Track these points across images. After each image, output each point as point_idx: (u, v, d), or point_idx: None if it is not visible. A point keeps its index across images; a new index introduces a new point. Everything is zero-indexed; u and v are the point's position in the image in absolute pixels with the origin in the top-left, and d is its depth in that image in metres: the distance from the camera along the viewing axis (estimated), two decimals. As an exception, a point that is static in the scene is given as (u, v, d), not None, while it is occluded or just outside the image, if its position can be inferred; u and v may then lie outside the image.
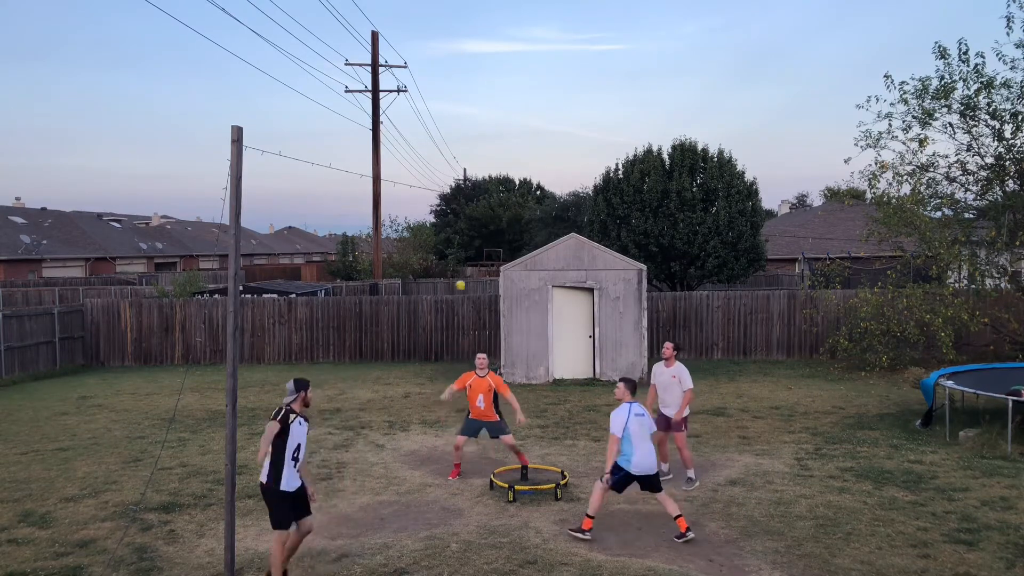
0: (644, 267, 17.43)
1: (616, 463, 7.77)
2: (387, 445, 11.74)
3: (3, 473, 10.43)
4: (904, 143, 16.97)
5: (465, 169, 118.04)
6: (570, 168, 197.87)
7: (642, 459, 7.69)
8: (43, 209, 53.08)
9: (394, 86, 29.48)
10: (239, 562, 7.12)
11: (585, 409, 14.14)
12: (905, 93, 16.56)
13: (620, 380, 8.09)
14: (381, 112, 27.50)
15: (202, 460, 10.96)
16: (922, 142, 16.65)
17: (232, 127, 6.31)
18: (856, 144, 17.40)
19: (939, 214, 17.50)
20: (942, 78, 16.24)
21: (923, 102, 16.37)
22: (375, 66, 27.50)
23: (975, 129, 16.41)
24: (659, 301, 20.52)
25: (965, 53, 15.97)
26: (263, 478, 6.53)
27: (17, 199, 53.38)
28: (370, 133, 27.35)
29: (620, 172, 24.27)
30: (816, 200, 67.07)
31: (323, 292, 26.70)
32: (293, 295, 22.56)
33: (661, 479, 9.66)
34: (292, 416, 6.54)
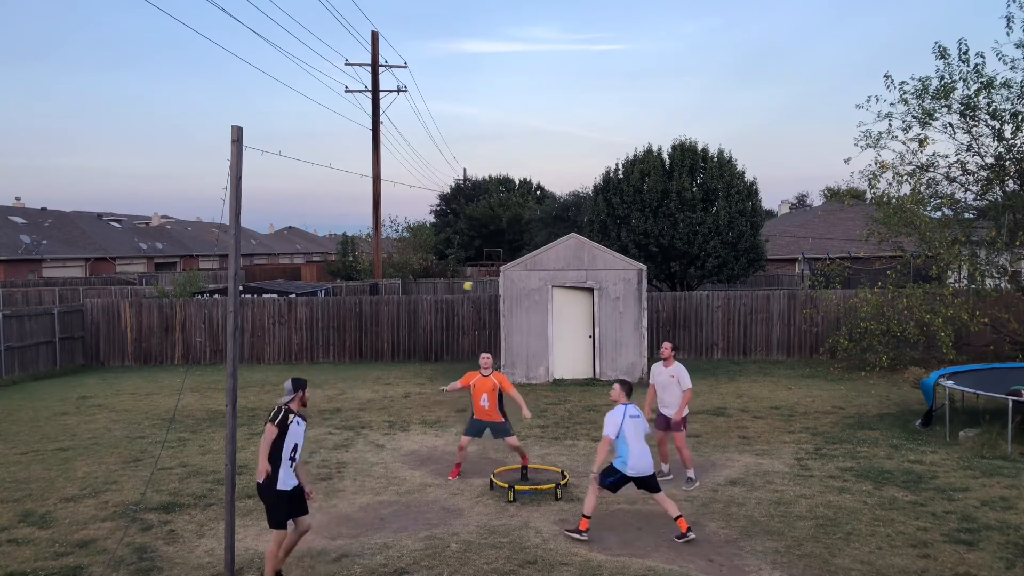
0: (644, 267, 17.43)
1: (612, 465, 7.79)
2: (387, 445, 11.74)
3: (3, 473, 10.43)
4: (904, 143, 16.99)
5: (465, 169, 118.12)
6: (570, 168, 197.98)
7: (638, 460, 7.70)
8: (43, 209, 53.08)
9: (394, 86, 29.51)
10: (239, 562, 7.12)
11: (585, 409, 14.14)
12: (905, 93, 16.57)
13: (616, 382, 8.11)
14: (381, 112, 27.52)
15: (202, 460, 10.97)
16: (922, 142, 16.65)
17: (232, 127, 6.31)
18: (856, 144, 17.42)
19: (939, 214, 17.50)
20: (942, 78, 16.25)
21: (923, 102, 16.38)
22: (375, 66, 27.50)
23: (975, 129, 16.42)
24: (659, 301, 20.52)
25: (965, 53, 15.97)
26: (259, 478, 6.53)
27: (17, 199, 53.39)
28: (370, 133, 27.36)
29: (620, 172, 24.27)
30: (816, 200, 67.12)
31: (323, 292, 26.70)
32: (293, 295, 22.57)
33: (661, 479, 9.69)
34: (290, 416, 6.54)
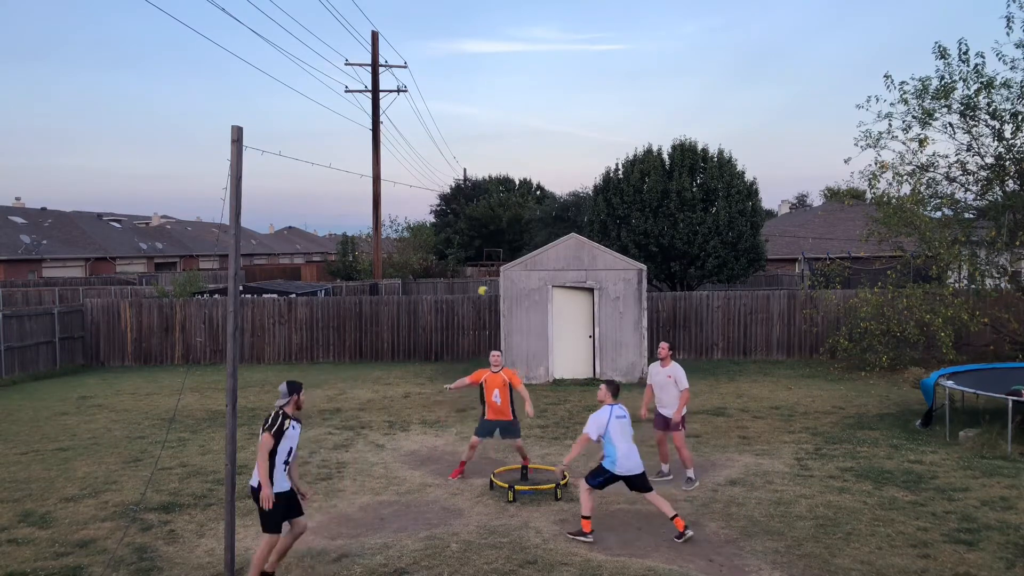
0: (644, 267, 17.43)
1: (601, 465, 7.84)
2: (387, 445, 11.73)
3: (3, 473, 10.43)
4: (904, 143, 16.99)
5: (465, 169, 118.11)
6: (570, 168, 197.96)
7: (626, 459, 7.73)
8: (43, 209, 53.09)
9: (394, 86, 29.52)
10: (239, 562, 7.11)
11: (585, 409, 14.13)
12: (905, 93, 16.56)
13: (603, 382, 8.16)
14: (381, 112, 27.52)
15: (202, 460, 10.96)
16: (922, 142, 16.65)
17: (232, 127, 6.31)
18: (856, 144, 17.41)
19: (939, 214, 17.50)
20: (942, 78, 16.25)
21: (923, 102, 16.37)
22: (375, 66, 27.50)
23: (975, 129, 16.42)
24: (659, 301, 20.52)
25: (965, 53, 15.97)
26: (253, 482, 6.49)
27: (17, 199, 53.39)
28: (370, 133, 27.36)
29: (620, 172, 24.28)
30: (816, 200, 67.12)
31: (323, 292, 26.70)
32: (293, 295, 22.57)
33: (661, 479, 9.70)
34: (287, 422, 6.48)
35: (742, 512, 8.47)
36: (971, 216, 17.63)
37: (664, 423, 9.65)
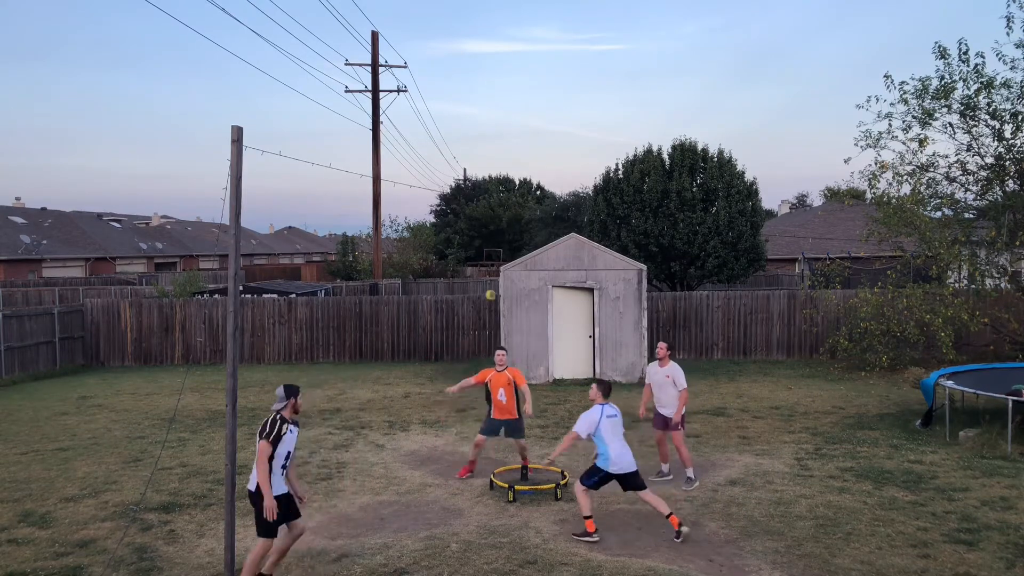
0: (644, 267, 17.43)
1: (595, 464, 7.86)
2: (387, 445, 11.73)
3: (3, 473, 10.43)
4: (904, 143, 16.98)
5: (465, 169, 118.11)
6: (570, 168, 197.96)
7: (619, 457, 7.76)
8: (43, 209, 53.08)
9: (394, 86, 29.51)
10: (239, 562, 7.10)
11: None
12: (905, 93, 16.56)
13: (594, 382, 8.20)
14: (381, 112, 27.52)
15: (202, 460, 10.96)
16: (922, 142, 16.65)
17: (232, 127, 6.31)
18: (856, 144, 17.41)
19: (939, 214, 17.50)
20: (942, 78, 16.25)
21: (923, 102, 16.37)
22: (375, 66, 27.50)
23: (975, 129, 16.42)
24: (659, 301, 20.52)
25: (965, 53, 15.97)
26: (251, 486, 6.45)
27: (17, 199, 53.39)
28: (370, 133, 27.36)
29: (620, 172, 24.28)
30: (816, 200, 67.11)
31: (323, 292, 26.70)
32: (293, 295, 22.56)
33: (661, 479, 9.71)
34: (284, 426, 6.44)
35: (742, 512, 8.47)
36: (971, 216, 17.63)
37: (663, 423, 9.66)
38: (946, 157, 17.40)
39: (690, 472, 9.53)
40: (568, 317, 17.32)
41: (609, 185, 24.05)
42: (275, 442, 6.35)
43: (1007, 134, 16.10)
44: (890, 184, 17.43)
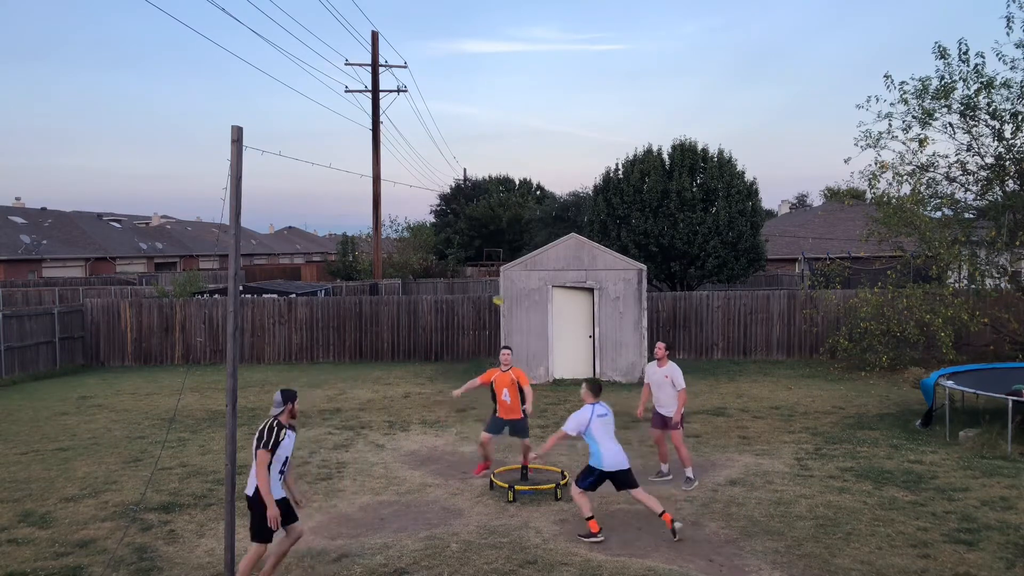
0: (644, 267, 17.44)
1: (588, 465, 7.89)
2: (387, 445, 11.74)
3: (3, 473, 10.43)
4: (904, 143, 16.99)
5: (465, 169, 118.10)
6: (570, 168, 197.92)
7: (612, 456, 7.79)
8: (43, 209, 53.09)
9: (394, 86, 29.52)
10: (239, 562, 7.11)
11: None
12: (905, 93, 16.57)
13: (584, 381, 8.22)
14: (381, 112, 27.52)
15: (202, 460, 10.97)
16: (922, 142, 16.65)
17: (232, 127, 6.31)
18: (856, 144, 17.42)
19: (939, 214, 17.51)
20: (942, 78, 16.25)
21: (923, 102, 16.38)
22: (375, 66, 27.50)
23: (975, 129, 16.42)
24: (659, 301, 20.52)
25: (965, 53, 15.97)
26: (248, 490, 6.40)
27: (17, 199, 53.39)
28: (370, 133, 27.36)
29: (620, 172, 24.28)
30: (816, 200, 67.11)
31: (323, 292, 26.70)
32: (293, 295, 22.57)
33: (661, 479, 9.71)
34: (282, 432, 6.40)
35: (742, 512, 8.47)
36: (971, 216, 17.63)
37: (662, 422, 9.67)
38: (946, 157, 17.42)
39: (689, 472, 9.53)
40: (568, 317, 17.32)
41: (609, 185, 24.06)
42: (273, 449, 6.31)
43: (1007, 134, 16.10)
44: (890, 184, 17.45)
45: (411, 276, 36.72)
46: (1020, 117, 15.83)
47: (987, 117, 16.15)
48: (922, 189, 17.13)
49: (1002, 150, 16.31)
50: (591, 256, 17.24)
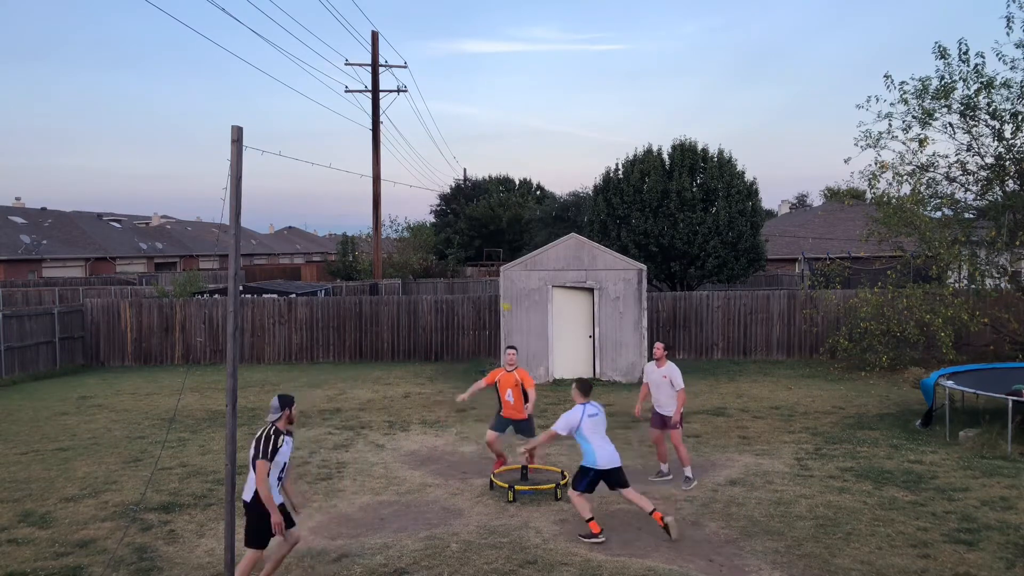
0: (644, 267, 17.44)
1: (582, 466, 7.90)
2: (387, 445, 11.74)
3: (3, 473, 10.43)
4: (904, 143, 16.99)
5: (465, 169, 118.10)
6: (570, 168, 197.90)
7: (605, 454, 7.82)
8: (43, 209, 53.08)
9: (394, 86, 29.52)
10: (239, 562, 7.11)
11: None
12: (905, 93, 16.57)
13: (574, 382, 8.24)
14: (381, 112, 27.52)
15: (202, 460, 10.97)
16: (922, 142, 16.65)
17: (232, 127, 6.31)
18: (856, 144, 17.42)
19: (939, 214, 17.51)
20: (942, 78, 16.26)
21: (923, 102, 16.38)
22: (375, 66, 27.50)
23: (975, 129, 16.42)
24: (659, 301, 20.52)
25: (965, 53, 15.97)
26: (246, 496, 6.34)
27: (17, 199, 53.38)
28: (370, 133, 27.37)
29: (620, 172, 24.28)
30: (816, 200, 67.11)
31: (323, 292, 26.70)
32: (293, 295, 22.57)
33: (661, 479, 9.72)
34: (280, 439, 6.35)
35: (742, 512, 8.47)
36: (971, 216, 17.63)
37: (661, 422, 9.68)
38: (946, 157, 17.43)
39: (688, 471, 9.54)
40: (568, 317, 17.32)
41: (609, 185, 24.05)
42: (272, 457, 6.26)
43: (1007, 134, 16.10)
44: (890, 184, 17.46)
45: (411, 276, 36.72)
46: (1020, 117, 15.83)
47: (987, 117, 16.15)
48: (922, 189, 17.14)
49: (1002, 150, 16.31)
50: (591, 256, 17.24)
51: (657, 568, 7.04)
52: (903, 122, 16.75)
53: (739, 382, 16.86)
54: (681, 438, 9.58)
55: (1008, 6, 15.76)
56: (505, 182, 59.12)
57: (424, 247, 43.02)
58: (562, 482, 9.30)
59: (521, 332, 17.21)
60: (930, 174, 17.16)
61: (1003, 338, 17.42)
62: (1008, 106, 15.96)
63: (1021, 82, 15.90)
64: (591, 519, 7.75)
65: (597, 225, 23.91)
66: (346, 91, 28.08)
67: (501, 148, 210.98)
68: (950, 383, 11.75)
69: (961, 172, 17.03)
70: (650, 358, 9.93)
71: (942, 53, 16.18)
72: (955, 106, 16.24)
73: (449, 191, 58.23)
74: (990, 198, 17.01)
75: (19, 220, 48.19)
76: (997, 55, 15.97)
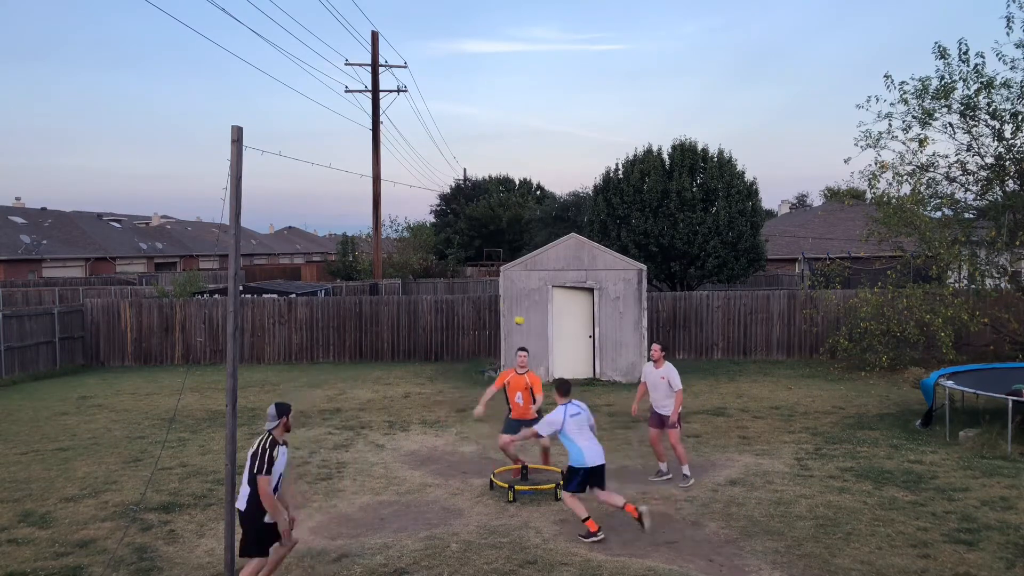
0: (644, 267, 17.44)
1: (571, 467, 7.92)
2: (387, 445, 11.74)
3: (3, 473, 10.43)
4: (904, 143, 17.00)
5: (465, 169, 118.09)
6: (570, 168, 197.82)
7: (591, 452, 7.87)
8: (43, 209, 53.09)
9: (394, 86, 29.52)
10: (239, 562, 7.11)
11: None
12: (905, 93, 16.57)
13: (553, 384, 8.28)
14: (381, 112, 27.53)
15: (202, 460, 10.97)
16: (922, 142, 16.65)
17: (232, 127, 6.31)
18: (856, 144, 17.42)
19: (939, 214, 17.51)
20: (942, 78, 16.26)
21: (923, 102, 16.38)
22: (375, 66, 27.51)
23: (975, 129, 16.43)
24: (659, 301, 20.52)
25: (965, 53, 15.98)
26: (241, 505, 6.29)
27: (17, 199, 53.39)
28: (370, 133, 27.37)
29: (620, 172, 24.29)
30: (816, 200, 67.11)
31: (323, 292, 26.71)
32: (293, 295, 22.57)
33: (660, 479, 9.72)
34: (276, 449, 6.29)
35: (742, 512, 8.47)
36: (971, 216, 17.63)
37: (659, 421, 9.70)
38: (946, 157, 17.43)
39: (686, 470, 9.56)
40: (568, 317, 17.32)
41: (609, 185, 24.06)
42: (269, 471, 6.21)
43: (1007, 134, 16.11)
44: (890, 184, 17.46)
45: (411, 276, 36.73)
46: (1020, 117, 15.83)
47: (987, 117, 16.15)
48: (922, 189, 17.14)
49: (1002, 150, 16.31)
50: (591, 256, 17.24)
51: (657, 568, 7.04)
52: (903, 122, 16.77)
53: (739, 382, 16.86)
54: (679, 437, 9.60)
55: (1008, 6, 15.78)
56: (505, 182, 59.13)
57: (424, 247, 43.03)
58: (562, 482, 9.29)
59: (521, 332, 17.20)
60: (930, 174, 17.18)
61: (1003, 338, 17.42)
62: (1008, 106, 15.98)
63: (1021, 82, 15.91)
64: (587, 518, 7.76)
65: (597, 225, 23.92)
66: (346, 91, 28.11)
67: (501, 148, 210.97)
68: (950, 383, 11.75)
69: (961, 172, 17.05)
70: (650, 358, 9.93)
71: (942, 53, 16.18)
72: (955, 106, 16.25)
73: (449, 191, 58.25)
74: (990, 198, 17.02)
75: (19, 220, 48.19)
76: (997, 55, 16.00)
